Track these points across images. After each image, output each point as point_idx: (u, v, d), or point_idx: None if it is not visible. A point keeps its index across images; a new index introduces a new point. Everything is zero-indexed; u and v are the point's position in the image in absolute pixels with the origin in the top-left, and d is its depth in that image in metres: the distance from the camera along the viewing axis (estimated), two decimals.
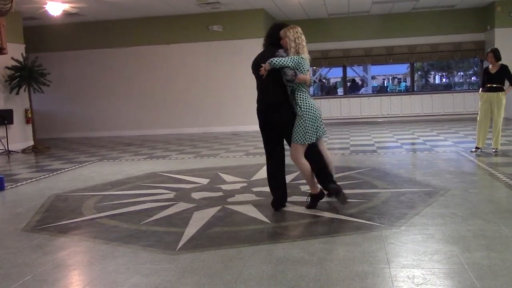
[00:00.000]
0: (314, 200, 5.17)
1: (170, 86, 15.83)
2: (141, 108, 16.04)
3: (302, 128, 4.89)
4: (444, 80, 23.65)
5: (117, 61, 16.03)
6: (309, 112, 4.91)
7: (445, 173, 6.87)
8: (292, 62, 4.81)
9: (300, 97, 4.93)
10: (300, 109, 4.90)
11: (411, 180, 6.48)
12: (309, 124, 4.89)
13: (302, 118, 4.89)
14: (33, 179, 8.03)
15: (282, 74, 4.87)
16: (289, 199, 5.45)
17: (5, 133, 11.70)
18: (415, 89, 18.39)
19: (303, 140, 4.91)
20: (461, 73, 22.97)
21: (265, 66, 4.80)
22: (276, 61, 4.76)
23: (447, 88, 21.27)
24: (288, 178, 6.87)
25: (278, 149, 5.16)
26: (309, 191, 5.25)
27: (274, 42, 5.08)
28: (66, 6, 12.68)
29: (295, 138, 4.92)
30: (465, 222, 4.45)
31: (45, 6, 12.19)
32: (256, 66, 5.01)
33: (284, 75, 4.86)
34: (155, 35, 15.67)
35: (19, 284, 3.47)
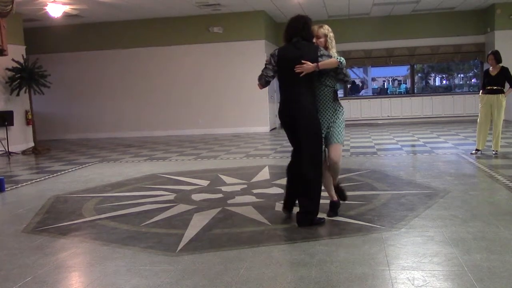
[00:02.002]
0: (334, 209, 4.95)
1: (171, 88, 15.84)
2: (141, 110, 16.05)
3: (343, 127, 4.75)
4: (444, 82, 23.64)
5: (117, 62, 16.04)
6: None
7: (445, 175, 6.87)
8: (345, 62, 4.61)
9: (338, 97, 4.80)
10: (341, 107, 4.76)
11: (411, 182, 6.48)
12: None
13: (342, 117, 4.76)
14: (34, 181, 8.03)
15: (340, 74, 4.58)
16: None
17: (6, 135, 11.70)
18: (415, 91, 18.40)
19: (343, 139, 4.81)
20: (461, 75, 22.96)
21: (325, 63, 4.44)
22: (344, 61, 4.52)
23: (447, 90, 21.27)
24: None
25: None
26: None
27: (307, 37, 4.61)
28: (67, 8, 12.70)
29: (340, 138, 4.70)
30: (465, 224, 4.45)
31: (45, 7, 12.21)
32: (288, 61, 4.53)
33: (345, 77, 4.64)
34: (156, 36, 15.69)
35: (19, 285, 3.47)
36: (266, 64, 4.70)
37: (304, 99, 4.54)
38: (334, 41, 4.74)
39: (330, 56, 4.54)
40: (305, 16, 4.73)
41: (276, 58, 4.63)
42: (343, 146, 4.84)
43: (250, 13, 15.07)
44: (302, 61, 4.43)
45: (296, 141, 4.69)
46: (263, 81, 4.73)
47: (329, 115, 4.70)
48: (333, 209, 4.92)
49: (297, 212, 4.68)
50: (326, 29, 4.73)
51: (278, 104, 4.82)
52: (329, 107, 4.70)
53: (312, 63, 4.43)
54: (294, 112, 4.56)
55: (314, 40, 4.68)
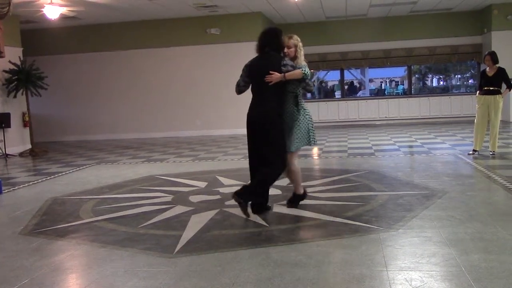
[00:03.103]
0: (296, 200, 5.34)
1: (168, 89, 15.83)
2: (138, 111, 16.03)
3: (304, 131, 5.02)
4: (441, 83, 23.66)
5: (115, 64, 16.03)
6: (310, 115, 5.12)
7: (443, 175, 6.88)
8: (310, 72, 5.00)
9: (302, 102, 5.12)
10: (304, 111, 5.06)
11: (409, 183, 6.49)
12: (311, 127, 5.07)
13: (305, 121, 5.03)
14: (31, 183, 8.01)
15: (303, 83, 4.93)
16: (285, 202, 5.49)
17: (3, 137, 11.68)
18: (412, 91, 18.43)
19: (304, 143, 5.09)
20: (459, 76, 22.98)
21: (291, 74, 4.81)
22: (308, 72, 4.89)
23: (445, 91, 21.28)
24: (285, 181, 6.88)
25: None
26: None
27: (278, 47, 5.00)
28: (64, 10, 12.67)
29: (294, 146, 5.02)
30: (463, 224, 4.46)
31: (42, 9, 12.18)
32: (256, 71, 4.92)
33: (307, 86, 5.00)
34: (153, 38, 15.68)
35: (16, 287, 3.46)
36: (241, 74, 5.11)
37: (271, 105, 4.91)
38: (302, 50, 5.12)
39: (294, 66, 4.90)
40: (277, 28, 5.16)
41: (248, 68, 5.04)
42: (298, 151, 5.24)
43: (247, 14, 15.08)
44: (270, 71, 4.79)
45: (254, 145, 5.00)
46: (237, 90, 5.22)
47: (291, 119, 5.04)
48: (295, 200, 5.32)
49: (252, 204, 5.00)
50: (295, 39, 5.09)
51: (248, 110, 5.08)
52: (291, 111, 5.05)
53: (278, 72, 4.81)
54: (260, 116, 4.91)
55: (286, 50, 5.04)
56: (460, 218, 4.68)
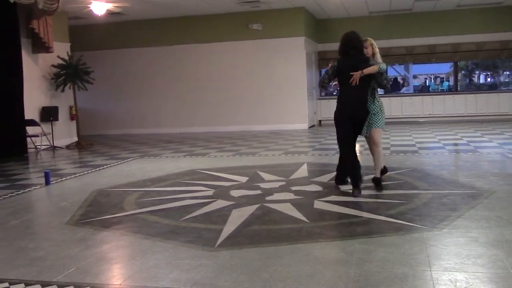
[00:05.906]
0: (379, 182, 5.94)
1: (210, 84, 15.96)
2: (181, 106, 16.25)
3: (382, 116, 6.00)
4: (489, 79, 22.94)
5: (158, 59, 16.28)
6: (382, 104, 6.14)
7: (490, 175, 6.68)
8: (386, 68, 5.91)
9: (377, 94, 6.12)
10: (379, 101, 6.05)
11: (454, 182, 6.33)
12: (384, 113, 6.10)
13: (382, 108, 6.05)
14: (77, 174, 8.24)
15: (381, 77, 5.83)
16: (326, 198, 5.49)
17: (51, 129, 12.05)
18: (458, 88, 17.94)
19: (383, 125, 6.02)
20: (507, 73, 22.22)
21: (368, 70, 5.62)
22: (384, 67, 5.78)
23: (492, 87, 20.60)
24: (327, 177, 6.85)
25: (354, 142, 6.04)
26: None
27: (361, 49, 5.84)
28: (110, 6, 12.96)
29: (380, 123, 5.95)
30: (511, 225, 4.32)
31: (89, 5, 12.49)
32: (349, 69, 5.64)
33: (382, 81, 5.90)
34: (196, 34, 15.83)
35: (63, 275, 3.57)
36: (327, 70, 5.93)
37: (365, 98, 5.85)
38: (377, 47, 6.10)
39: (374, 64, 5.77)
40: (357, 32, 5.90)
41: (336, 68, 5.78)
42: (383, 131, 6.18)
43: (289, 9, 15.02)
44: (350, 73, 5.59)
45: (351, 132, 5.84)
46: (320, 85, 6.17)
47: (369, 108, 5.97)
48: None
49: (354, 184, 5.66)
50: (370, 39, 6.11)
51: (339, 102, 5.88)
52: (369, 102, 5.97)
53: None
54: (360, 108, 5.81)
55: (364, 50, 5.94)
56: (507, 219, 4.53)
